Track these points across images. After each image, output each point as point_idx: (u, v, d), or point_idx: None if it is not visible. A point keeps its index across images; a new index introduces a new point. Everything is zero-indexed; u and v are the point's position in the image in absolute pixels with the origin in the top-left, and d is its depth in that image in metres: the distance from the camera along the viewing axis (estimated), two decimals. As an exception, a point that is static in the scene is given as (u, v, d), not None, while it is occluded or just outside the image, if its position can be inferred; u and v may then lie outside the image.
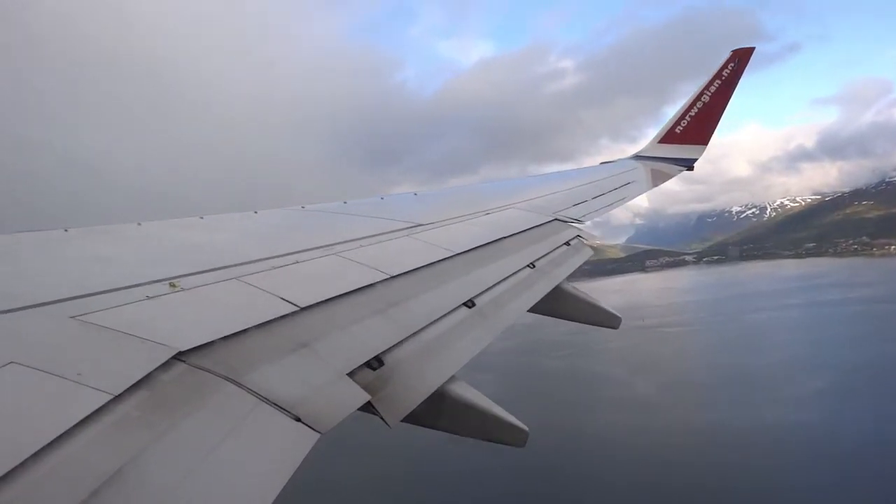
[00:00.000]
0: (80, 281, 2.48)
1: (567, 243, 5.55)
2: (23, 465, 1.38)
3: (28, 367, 1.75)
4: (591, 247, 5.76)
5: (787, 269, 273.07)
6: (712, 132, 12.14)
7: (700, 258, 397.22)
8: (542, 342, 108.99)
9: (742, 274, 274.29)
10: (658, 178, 11.07)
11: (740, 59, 11.64)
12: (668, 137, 12.29)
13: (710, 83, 11.83)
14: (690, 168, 12.07)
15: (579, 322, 5.02)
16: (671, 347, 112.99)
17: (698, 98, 11.98)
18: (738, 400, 73.97)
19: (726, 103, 11.93)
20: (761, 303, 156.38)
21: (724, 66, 11.70)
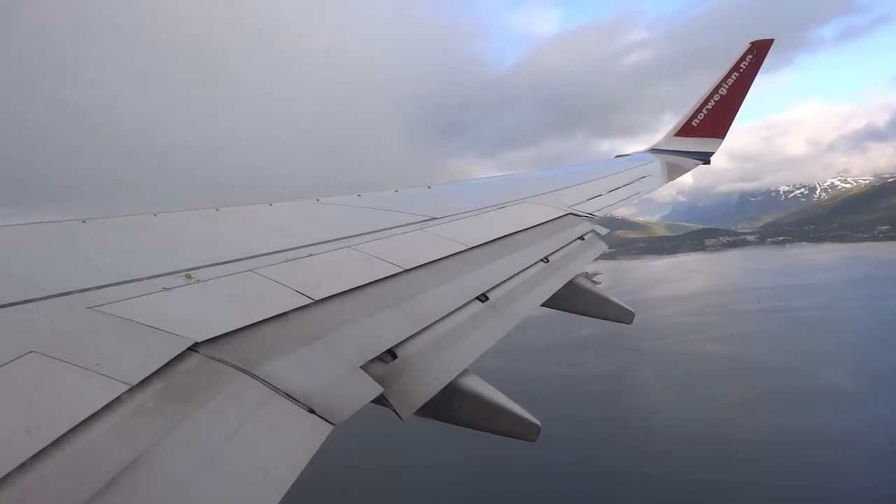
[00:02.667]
0: (97, 272, 2.51)
1: (581, 237, 5.52)
2: (42, 454, 1.40)
3: (47, 356, 1.78)
4: (611, 237, 5.71)
5: (873, 252, 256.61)
6: (729, 125, 11.97)
7: (762, 238, 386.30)
8: (685, 325, 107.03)
9: (826, 256, 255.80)
10: (674, 172, 10.95)
11: (759, 52, 11.46)
12: (685, 130, 12.15)
13: (728, 76, 11.66)
14: (707, 162, 11.93)
15: (592, 317, 4.99)
16: (824, 333, 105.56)
17: (715, 91, 11.81)
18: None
19: (744, 96, 11.75)
20: (887, 289, 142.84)
21: (742, 59, 11.51)
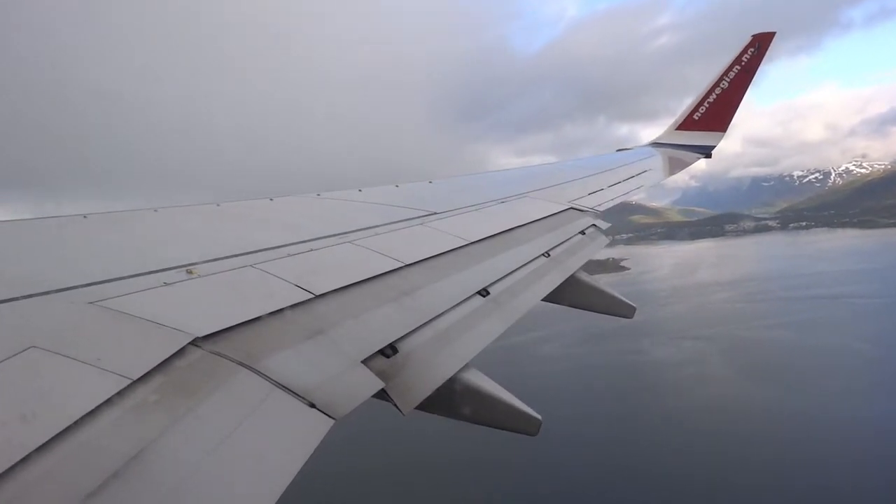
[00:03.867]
0: (98, 267, 2.52)
1: (582, 232, 5.52)
2: (44, 448, 1.41)
3: (49, 351, 1.78)
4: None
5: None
6: (731, 119, 11.94)
7: (784, 224, 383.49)
8: (742, 311, 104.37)
9: (856, 242, 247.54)
10: (675, 166, 10.93)
11: (760, 45, 11.41)
12: (686, 124, 12.11)
13: (729, 69, 11.61)
14: (708, 155, 11.90)
15: (594, 311, 4.99)
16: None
17: (717, 84, 11.77)
18: None
19: (745, 89, 11.71)
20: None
21: (744, 52, 11.47)
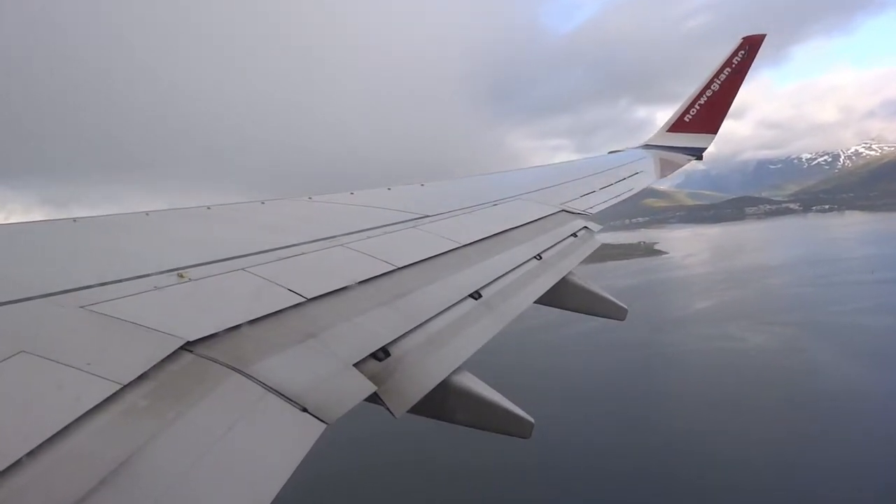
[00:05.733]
0: (89, 271, 2.51)
1: (574, 234, 5.54)
2: (33, 454, 1.40)
3: (38, 356, 1.77)
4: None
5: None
6: (722, 120, 12.03)
7: (806, 206, 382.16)
8: (809, 296, 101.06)
9: (891, 225, 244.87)
10: (666, 168, 10.99)
11: (751, 47, 11.50)
12: (678, 126, 12.19)
13: (720, 71, 11.70)
14: (699, 157, 11.99)
15: (586, 313, 5.01)
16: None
17: (707, 86, 11.86)
18: None
19: (736, 91, 11.81)
20: None
21: (734, 54, 11.56)
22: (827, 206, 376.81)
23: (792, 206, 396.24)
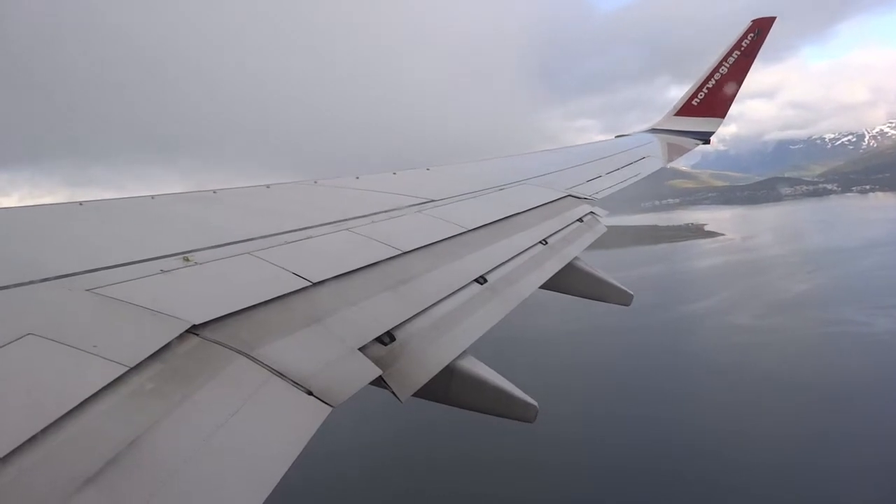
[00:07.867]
0: (95, 254, 2.52)
1: (580, 220, 5.51)
2: (41, 435, 1.41)
3: (45, 338, 1.78)
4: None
5: None
6: (730, 104, 11.89)
7: (845, 187, 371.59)
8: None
9: None
10: (674, 152, 10.90)
11: (761, 30, 11.33)
12: (685, 110, 12.06)
13: (729, 54, 11.54)
14: (707, 141, 11.87)
15: (591, 299, 5.00)
16: None
17: (716, 70, 11.70)
18: None
19: (745, 75, 11.65)
20: None
21: (744, 37, 11.39)
22: (868, 187, 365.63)
23: (829, 186, 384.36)
